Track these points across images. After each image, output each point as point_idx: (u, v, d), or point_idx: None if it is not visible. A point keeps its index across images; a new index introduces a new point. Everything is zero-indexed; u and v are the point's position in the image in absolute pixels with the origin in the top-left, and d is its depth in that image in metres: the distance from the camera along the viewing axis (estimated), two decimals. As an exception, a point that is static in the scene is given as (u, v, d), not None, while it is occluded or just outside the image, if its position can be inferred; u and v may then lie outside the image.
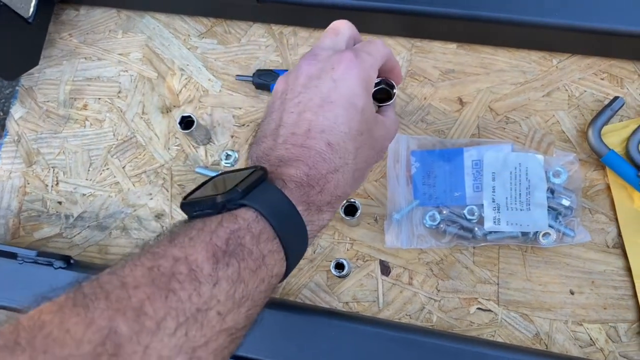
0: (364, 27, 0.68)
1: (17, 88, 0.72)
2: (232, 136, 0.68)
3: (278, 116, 0.42)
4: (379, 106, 0.51)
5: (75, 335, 0.27)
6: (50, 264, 0.60)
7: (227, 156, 0.66)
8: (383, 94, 0.52)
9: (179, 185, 0.67)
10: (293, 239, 0.38)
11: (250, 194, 0.36)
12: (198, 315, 0.31)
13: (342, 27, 0.47)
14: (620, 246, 0.60)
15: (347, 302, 0.62)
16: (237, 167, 0.66)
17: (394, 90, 0.51)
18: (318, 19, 0.69)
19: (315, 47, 0.45)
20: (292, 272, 0.62)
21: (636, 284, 0.58)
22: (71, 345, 0.27)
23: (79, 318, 0.28)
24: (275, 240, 0.36)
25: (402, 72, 0.49)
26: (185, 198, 0.38)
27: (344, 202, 0.60)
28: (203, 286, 0.31)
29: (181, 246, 0.32)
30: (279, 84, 0.44)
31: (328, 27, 0.47)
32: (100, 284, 0.30)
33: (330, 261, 0.62)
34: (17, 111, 0.72)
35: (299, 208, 0.38)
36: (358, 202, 0.59)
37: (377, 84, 0.51)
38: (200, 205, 0.37)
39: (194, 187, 0.65)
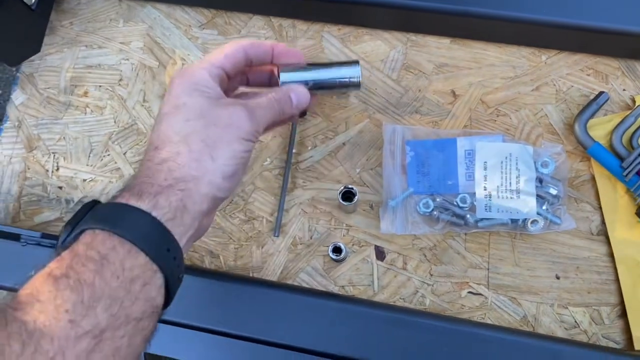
0: (360, 20, 0.71)
1: (17, 75, 0.73)
2: (231, 125, 0.69)
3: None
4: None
5: None
6: (53, 246, 0.61)
7: (227, 144, 0.67)
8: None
9: (179, 171, 0.68)
10: (132, 227, 0.39)
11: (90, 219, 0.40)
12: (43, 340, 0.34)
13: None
14: (603, 233, 0.63)
15: (343, 286, 0.64)
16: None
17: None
18: (317, 11, 0.71)
19: None
20: (289, 257, 0.65)
21: (618, 270, 0.61)
22: None
23: None
24: (113, 238, 0.39)
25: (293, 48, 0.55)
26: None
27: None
28: (45, 305, 0.35)
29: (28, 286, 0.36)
30: None
31: None
32: None
33: (327, 246, 0.64)
34: (17, 97, 0.73)
35: (132, 201, 0.41)
36: (355, 188, 0.61)
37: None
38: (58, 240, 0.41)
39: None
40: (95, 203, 0.42)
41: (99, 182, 0.69)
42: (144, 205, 0.41)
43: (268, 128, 0.52)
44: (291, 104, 0.52)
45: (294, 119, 0.59)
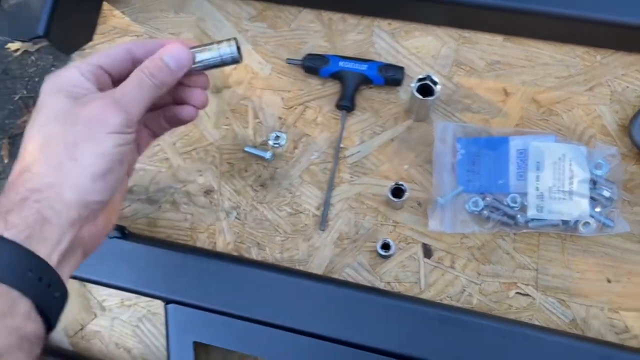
0: (411, 15, 0.70)
1: (70, 64, 0.74)
2: (280, 118, 0.70)
3: None
4: (422, 98, 0.61)
5: None
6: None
7: (277, 137, 0.68)
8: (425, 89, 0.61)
9: (227, 163, 0.69)
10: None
11: None
12: None
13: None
14: (657, 238, 0.62)
15: (389, 282, 0.64)
16: (285, 147, 0.68)
17: (437, 87, 0.61)
18: (367, 6, 0.70)
19: None
20: (335, 251, 0.65)
21: (672, 275, 0.60)
22: None
23: None
24: None
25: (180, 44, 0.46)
26: None
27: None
28: None
29: None
30: None
31: None
32: None
33: (373, 242, 0.64)
34: (69, 86, 0.74)
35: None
36: (406, 185, 0.61)
37: (421, 79, 0.61)
38: None
39: (243, 165, 0.67)
40: None
41: (148, 172, 0.70)
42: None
43: (163, 128, 0.50)
44: (169, 69, 0.44)
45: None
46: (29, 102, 1.90)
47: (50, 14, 0.64)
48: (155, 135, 0.52)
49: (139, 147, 0.50)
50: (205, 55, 0.47)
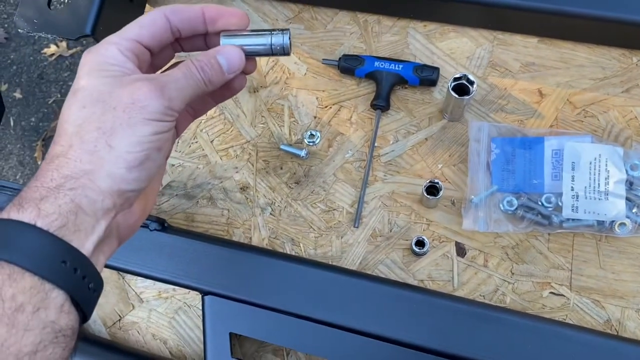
0: (446, 17, 0.71)
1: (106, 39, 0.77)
2: (314, 117, 0.71)
3: None
4: (458, 97, 0.62)
5: None
6: (146, 226, 0.64)
7: (311, 135, 0.69)
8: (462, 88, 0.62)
9: (263, 160, 0.70)
10: (11, 244, 0.34)
11: None
12: None
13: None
14: (695, 240, 0.61)
15: (422, 280, 0.64)
16: (319, 146, 0.70)
17: (473, 86, 0.61)
18: (403, 7, 0.71)
19: None
20: (369, 248, 0.65)
21: None
22: None
23: None
24: (27, 275, 0.34)
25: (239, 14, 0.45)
26: None
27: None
28: None
29: None
30: None
31: None
32: None
33: (407, 240, 0.65)
34: (111, 84, 0.76)
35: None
36: (441, 183, 0.62)
37: (457, 79, 0.62)
38: None
39: (278, 162, 0.69)
40: None
41: (186, 168, 0.71)
42: (25, 215, 0.35)
43: (205, 105, 0.49)
44: (221, 70, 0.44)
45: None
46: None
47: (97, 13, 0.66)
48: (196, 115, 0.51)
49: (178, 129, 0.49)
50: (255, 43, 0.46)
